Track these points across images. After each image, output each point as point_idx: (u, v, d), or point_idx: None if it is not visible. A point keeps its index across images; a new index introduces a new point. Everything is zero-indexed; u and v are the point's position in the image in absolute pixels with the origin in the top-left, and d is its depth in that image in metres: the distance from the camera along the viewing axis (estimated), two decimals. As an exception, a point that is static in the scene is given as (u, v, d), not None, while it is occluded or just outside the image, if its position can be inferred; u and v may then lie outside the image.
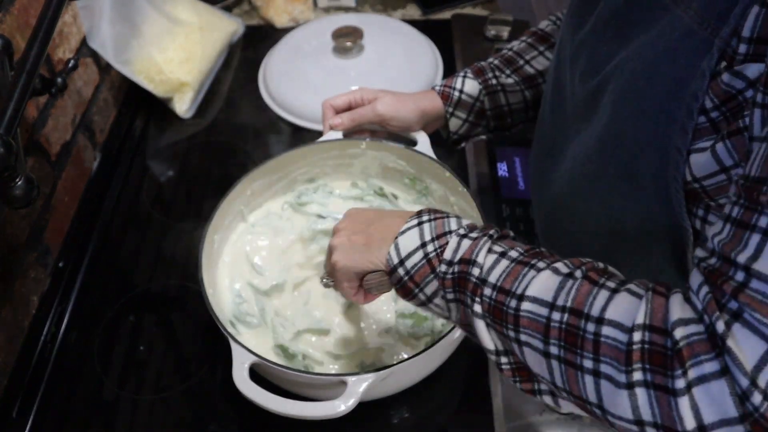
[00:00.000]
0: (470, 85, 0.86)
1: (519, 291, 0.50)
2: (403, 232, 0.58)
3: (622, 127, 0.56)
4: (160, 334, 0.91)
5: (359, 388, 0.66)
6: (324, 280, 0.70)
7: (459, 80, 0.87)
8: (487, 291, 0.52)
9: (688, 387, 0.41)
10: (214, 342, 0.86)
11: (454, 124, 0.87)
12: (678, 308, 0.43)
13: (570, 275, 0.49)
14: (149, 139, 1.17)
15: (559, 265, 0.50)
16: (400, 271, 0.58)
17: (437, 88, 0.88)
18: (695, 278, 0.44)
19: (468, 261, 0.54)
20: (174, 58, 1.15)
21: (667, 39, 0.51)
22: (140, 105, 1.20)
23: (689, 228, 0.54)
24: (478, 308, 0.53)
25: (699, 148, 0.50)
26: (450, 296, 0.55)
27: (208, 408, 0.83)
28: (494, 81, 0.86)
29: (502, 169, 1.03)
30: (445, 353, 0.77)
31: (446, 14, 1.36)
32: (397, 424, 0.80)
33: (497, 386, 0.79)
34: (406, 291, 0.59)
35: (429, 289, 0.57)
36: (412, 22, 1.27)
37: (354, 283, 0.64)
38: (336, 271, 0.64)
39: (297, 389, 0.74)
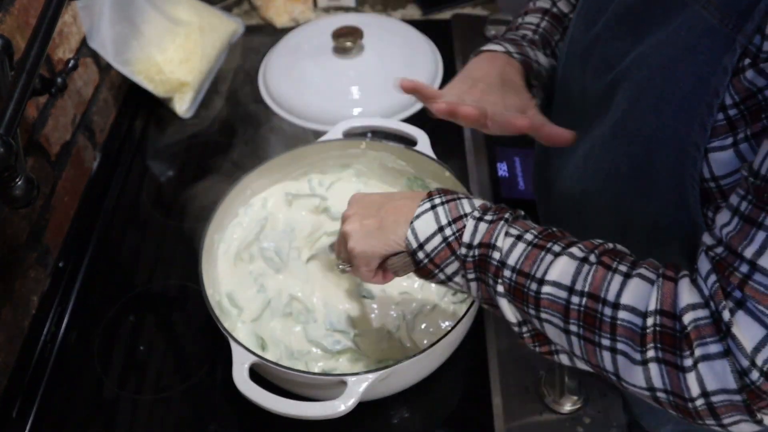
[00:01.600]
0: (542, 58, 0.78)
1: (539, 275, 0.53)
2: (418, 216, 0.60)
3: (638, 122, 0.56)
4: (160, 334, 0.91)
5: (359, 388, 0.66)
6: (340, 267, 0.71)
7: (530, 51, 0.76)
8: (507, 273, 0.55)
9: (695, 364, 0.46)
10: (214, 342, 0.86)
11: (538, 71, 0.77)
12: (687, 293, 0.47)
13: (585, 260, 0.52)
14: (149, 139, 1.17)
15: (574, 249, 0.54)
16: (420, 254, 0.60)
17: (517, 56, 0.75)
18: (703, 264, 0.48)
19: (488, 245, 0.57)
20: (174, 58, 1.15)
21: (686, 35, 0.51)
22: (140, 105, 1.20)
23: (703, 225, 0.54)
24: (500, 288, 0.56)
25: (717, 147, 0.50)
26: (471, 276, 0.58)
27: (208, 408, 0.83)
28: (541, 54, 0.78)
29: (502, 169, 1.03)
30: (445, 353, 0.77)
31: (446, 14, 1.35)
32: (397, 424, 0.80)
33: (497, 386, 0.79)
34: (425, 272, 0.61)
35: (449, 270, 0.60)
36: (412, 22, 1.27)
37: (372, 267, 0.65)
38: (354, 257, 0.65)
39: (297, 389, 0.74)
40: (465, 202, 0.61)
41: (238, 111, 1.20)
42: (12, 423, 0.80)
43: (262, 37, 1.32)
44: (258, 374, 0.71)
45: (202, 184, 1.09)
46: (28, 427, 0.81)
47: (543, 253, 0.54)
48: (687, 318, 0.47)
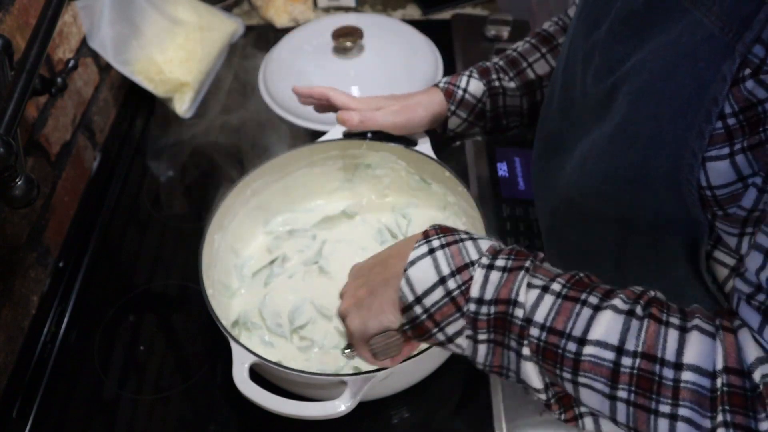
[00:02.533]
0: (475, 86, 0.86)
1: (577, 333, 0.48)
2: (413, 263, 0.53)
3: (637, 127, 0.56)
4: (160, 334, 0.91)
5: (359, 388, 0.66)
6: (345, 352, 0.62)
7: (464, 79, 0.87)
8: (535, 332, 0.49)
9: None
10: (214, 342, 0.86)
11: (453, 122, 0.87)
12: (752, 348, 0.43)
13: (632, 313, 0.47)
14: (149, 139, 1.17)
15: (616, 301, 0.48)
16: (417, 309, 0.53)
17: (441, 84, 0.87)
18: (751, 315, 0.44)
19: (507, 301, 0.50)
20: (174, 58, 1.15)
21: (687, 41, 0.51)
22: (140, 105, 1.20)
23: (704, 221, 0.54)
24: (526, 351, 0.50)
25: (714, 156, 0.49)
26: (482, 337, 0.52)
27: (208, 408, 0.83)
28: (497, 83, 0.86)
29: (502, 169, 1.03)
30: (446, 353, 0.77)
31: (446, 14, 1.36)
32: (397, 424, 0.80)
33: (497, 386, 0.79)
34: (421, 331, 0.54)
35: (451, 329, 0.53)
36: (412, 22, 1.27)
37: None
38: (353, 338, 0.59)
39: (297, 389, 0.74)
40: (469, 244, 0.54)
41: (238, 111, 1.20)
42: (12, 423, 0.80)
43: (262, 37, 1.32)
44: (258, 374, 0.71)
45: (202, 184, 1.09)
46: (28, 427, 0.81)
47: (578, 306, 0.48)
48: (758, 374, 0.42)
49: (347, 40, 1.12)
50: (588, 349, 0.47)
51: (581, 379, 0.47)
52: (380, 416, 0.80)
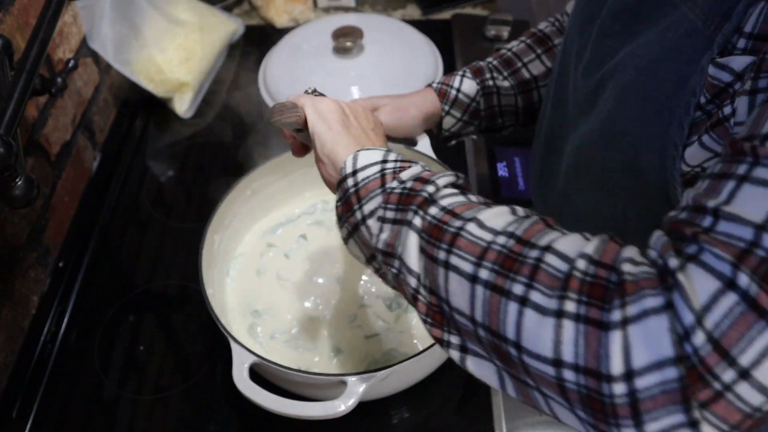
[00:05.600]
0: (468, 85, 0.86)
1: (468, 216, 0.47)
2: (368, 149, 0.57)
3: (623, 122, 0.56)
4: (160, 334, 0.91)
5: (359, 388, 0.66)
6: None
7: (457, 79, 0.87)
8: (433, 210, 0.48)
9: (624, 322, 0.36)
10: (214, 342, 0.86)
11: (447, 122, 0.87)
12: (633, 252, 0.40)
13: (527, 216, 0.46)
14: (149, 139, 1.17)
15: (519, 209, 0.48)
16: (350, 181, 0.55)
17: (435, 85, 0.88)
18: (656, 233, 0.41)
19: (425, 180, 0.51)
20: (174, 58, 1.15)
21: (672, 36, 0.52)
22: (140, 105, 1.20)
23: None
24: (418, 221, 0.49)
25: (689, 143, 0.50)
26: (389, 215, 0.51)
27: (208, 408, 0.83)
28: (491, 82, 0.86)
29: (502, 169, 1.03)
30: (446, 353, 0.77)
31: (446, 14, 1.36)
32: (397, 424, 0.80)
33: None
34: (347, 207, 0.55)
35: (369, 207, 0.53)
36: (412, 22, 1.27)
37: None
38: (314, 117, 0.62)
39: (297, 389, 0.74)
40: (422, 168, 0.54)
41: (238, 111, 1.20)
42: (12, 423, 0.80)
43: (262, 37, 1.32)
44: (258, 374, 0.71)
45: (202, 184, 1.09)
46: (28, 427, 0.81)
47: (483, 206, 0.48)
48: (626, 268, 0.38)
49: (347, 40, 1.12)
50: (469, 226, 0.46)
51: (453, 259, 0.45)
52: (380, 416, 0.80)
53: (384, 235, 0.51)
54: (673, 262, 0.36)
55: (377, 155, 0.56)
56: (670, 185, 0.53)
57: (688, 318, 0.34)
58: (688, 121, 0.49)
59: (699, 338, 0.34)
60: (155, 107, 1.19)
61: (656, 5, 0.55)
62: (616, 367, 0.35)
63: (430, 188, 0.50)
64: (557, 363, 0.38)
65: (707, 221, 0.37)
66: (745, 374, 0.34)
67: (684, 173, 0.51)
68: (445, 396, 0.82)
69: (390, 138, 0.89)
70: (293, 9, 1.34)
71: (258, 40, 1.32)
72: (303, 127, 0.63)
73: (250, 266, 0.90)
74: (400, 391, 0.78)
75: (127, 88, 1.20)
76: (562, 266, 0.40)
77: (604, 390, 0.36)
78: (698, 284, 0.35)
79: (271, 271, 0.90)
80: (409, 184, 0.51)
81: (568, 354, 0.37)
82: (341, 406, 0.66)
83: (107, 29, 1.07)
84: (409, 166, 0.54)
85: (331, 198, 0.96)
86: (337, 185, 0.57)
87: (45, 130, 0.92)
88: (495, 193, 1.00)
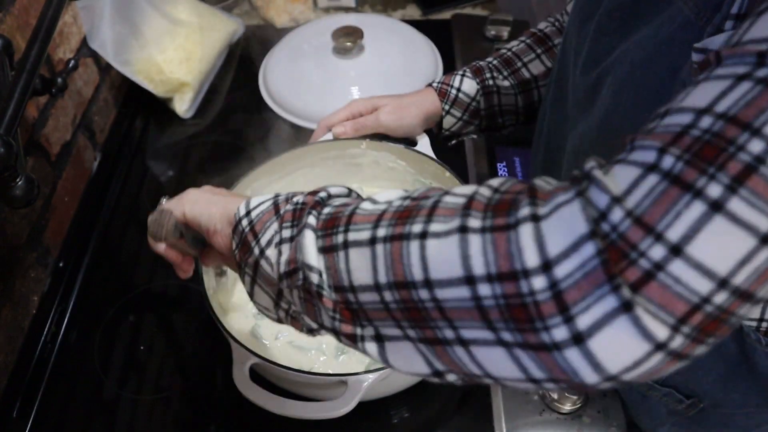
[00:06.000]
0: (468, 85, 0.86)
1: (361, 201, 0.45)
2: (256, 197, 0.52)
3: (620, 118, 0.56)
4: (160, 334, 0.91)
5: (359, 388, 0.66)
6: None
7: (457, 78, 0.87)
8: (327, 209, 0.46)
9: (534, 217, 0.33)
10: (215, 342, 0.86)
11: (447, 121, 0.87)
12: (548, 178, 0.38)
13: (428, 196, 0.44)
14: (149, 139, 1.17)
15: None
16: (244, 222, 0.50)
17: (435, 84, 0.88)
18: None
19: (317, 191, 0.48)
20: (174, 58, 1.15)
21: (666, 30, 0.52)
22: (140, 105, 1.20)
23: None
24: (312, 220, 0.45)
25: None
26: (286, 234, 0.47)
27: (208, 408, 0.83)
28: (491, 82, 0.86)
29: (502, 169, 1.03)
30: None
31: (446, 14, 1.35)
32: (397, 424, 0.80)
33: (497, 386, 0.79)
34: (245, 249, 0.50)
35: (265, 237, 0.48)
36: (412, 22, 1.27)
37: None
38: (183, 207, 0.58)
39: (297, 389, 0.74)
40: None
41: (238, 111, 1.20)
42: (12, 423, 0.80)
43: (262, 37, 1.32)
44: (258, 374, 0.71)
45: (202, 184, 1.08)
46: (28, 427, 0.81)
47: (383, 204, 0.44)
48: (538, 182, 0.36)
49: (347, 40, 1.12)
50: (363, 204, 0.44)
51: (350, 236, 0.42)
52: (380, 416, 0.80)
53: (284, 257, 0.47)
54: (595, 167, 0.34)
55: (269, 195, 0.52)
56: None
57: (603, 200, 0.32)
58: None
59: (617, 215, 0.31)
60: (155, 107, 1.19)
61: (652, 1, 0.55)
62: (531, 259, 0.33)
63: (323, 194, 0.48)
64: (470, 280, 0.35)
65: (653, 123, 0.35)
66: (676, 250, 0.30)
67: None
68: (445, 396, 0.82)
69: (390, 138, 0.89)
70: (293, 9, 1.34)
71: (258, 40, 1.32)
72: (184, 222, 0.59)
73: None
74: (400, 391, 0.78)
75: (127, 88, 1.20)
76: (461, 199, 0.38)
77: (523, 289, 0.33)
78: (618, 175, 0.33)
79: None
80: (301, 200, 0.48)
81: (478, 266, 0.34)
82: (342, 406, 0.66)
83: (107, 29, 1.07)
84: (301, 193, 0.50)
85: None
86: (233, 232, 0.52)
87: (45, 130, 0.92)
88: (495, 193, 1.00)
